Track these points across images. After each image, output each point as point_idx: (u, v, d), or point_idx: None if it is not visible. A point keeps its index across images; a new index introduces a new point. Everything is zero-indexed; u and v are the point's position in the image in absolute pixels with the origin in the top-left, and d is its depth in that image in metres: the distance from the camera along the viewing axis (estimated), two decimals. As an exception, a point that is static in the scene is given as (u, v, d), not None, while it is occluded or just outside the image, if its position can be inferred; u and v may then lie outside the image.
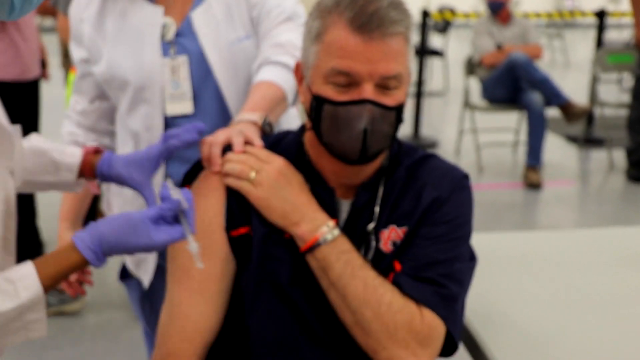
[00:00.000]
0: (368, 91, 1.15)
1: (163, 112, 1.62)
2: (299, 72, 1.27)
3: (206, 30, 1.60)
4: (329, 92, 1.17)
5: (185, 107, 1.62)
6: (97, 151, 1.36)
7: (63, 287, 1.50)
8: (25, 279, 1.02)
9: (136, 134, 1.66)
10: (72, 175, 1.33)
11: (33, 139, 1.33)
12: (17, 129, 1.22)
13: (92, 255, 1.06)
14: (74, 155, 1.34)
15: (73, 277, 1.54)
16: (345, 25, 1.14)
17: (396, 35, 1.14)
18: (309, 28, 1.21)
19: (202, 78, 1.62)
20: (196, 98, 1.63)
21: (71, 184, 1.35)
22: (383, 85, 1.16)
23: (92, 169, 1.34)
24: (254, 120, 1.38)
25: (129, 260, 1.77)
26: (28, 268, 1.04)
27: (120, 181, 1.33)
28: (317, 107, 1.19)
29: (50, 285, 1.05)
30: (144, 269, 1.72)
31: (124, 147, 1.71)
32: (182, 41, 1.62)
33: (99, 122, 1.75)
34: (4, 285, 1.02)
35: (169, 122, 1.64)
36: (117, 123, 1.73)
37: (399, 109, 1.19)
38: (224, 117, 1.62)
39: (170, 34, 1.61)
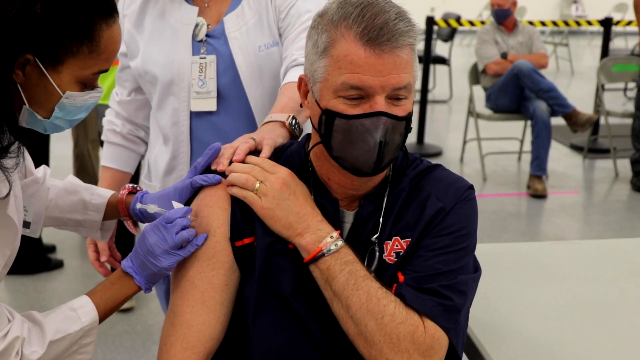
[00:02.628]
0: (380, 103, 1.15)
1: (189, 109, 1.72)
2: (302, 86, 1.27)
3: (236, 34, 1.69)
4: (340, 106, 1.17)
5: (209, 104, 1.71)
6: (132, 192, 1.44)
7: (98, 270, 1.66)
8: (84, 306, 1.22)
9: (165, 129, 1.76)
10: (98, 215, 1.44)
11: (69, 178, 1.47)
12: (46, 169, 1.41)
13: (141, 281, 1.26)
14: (102, 197, 1.45)
15: (103, 258, 1.66)
16: (354, 38, 1.14)
17: (405, 47, 1.15)
18: (314, 42, 1.20)
19: (229, 79, 1.70)
20: (222, 97, 1.71)
21: (98, 224, 1.45)
22: (394, 96, 1.16)
23: (127, 209, 1.42)
24: (282, 121, 1.42)
25: None
26: (84, 298, 1.24)
27: (151, 216, 1.38)
28: (327, 121, 1.18)
29: (106, 310, 1.25)
30: None
31: (155, 142, 1.83)
32: (213, 42, 1.71)
33: (136, 113, 1.87)
34: (68, 312, 1.21)
35: (195, 119, 1.73)
36: (150, 119, 1.84)
37: (408, 119, 1.19)
38: (248, 118, 1.72)
39: (202, 34, 1.71)
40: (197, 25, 1.70)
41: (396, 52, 1.13)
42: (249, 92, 1.70)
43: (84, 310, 1.22)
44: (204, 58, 1.69)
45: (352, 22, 1.14)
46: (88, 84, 1.15)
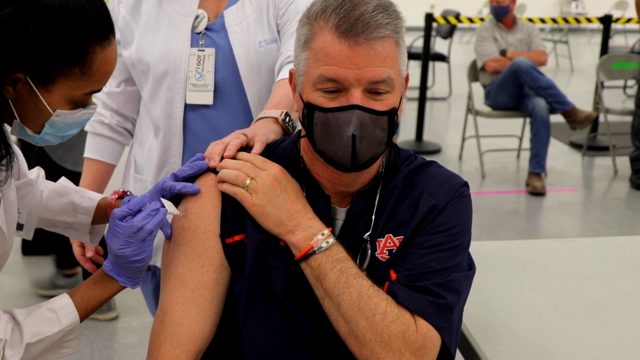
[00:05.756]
0: (356, 97, 1.13)
1: (184, 101, 1.69)
2: (292, 80, 1.25)
3: (237, 28, 1.68)
4: (319, 99, 1.16)
5: (205, 98, 1.69)
6: (122, 196, 1.43)
7: (84, 265, 1.67)
8: (64, 308, 1.21)
9: (157, 121, 1.73)
10: (88, 218, 1.44)
11: (61, 180, 1.47)
12: (40, 170, 1.41)
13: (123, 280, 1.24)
14: (91, 200, 1.44)
15: (89, 254, 1.65)
16: (331, 31, 1.13)
17: (382, 39, 1.13)
18: (298, 35, 1.20)
19: (227, 73, 1.69)
20: (219, 91, 1.69)
21: (87, 227, 1.45)
22: (372, 90, 1.14)
23: None
24: (275, 117, 1.41)
25: None
26: (65, 299, 1.22)
27: None
28: (308, 114, 1.18)
29: (87, 309, 1.23)
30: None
31: (147, 135, 1.79)
32: (212, 35, 1.69)
33: (125, 105, 1.84)
34: (47, 314, 1.20)
35: (189, 112, 1.70)
36: (140, 111, 1.80)
37: (390, 114, 1.17)
38: (243, 113, 1.70)
39: (202, 26, 1.69)
40: (197, 17, 1.68)
41: (371, 44, 1.12)
42: (247, 87, 1.68)
43: (64, 312, 1.21)
44: (203, 50, 1.68)
45: (329, 14, 1.14)
46: (79, 103, 1.15)
